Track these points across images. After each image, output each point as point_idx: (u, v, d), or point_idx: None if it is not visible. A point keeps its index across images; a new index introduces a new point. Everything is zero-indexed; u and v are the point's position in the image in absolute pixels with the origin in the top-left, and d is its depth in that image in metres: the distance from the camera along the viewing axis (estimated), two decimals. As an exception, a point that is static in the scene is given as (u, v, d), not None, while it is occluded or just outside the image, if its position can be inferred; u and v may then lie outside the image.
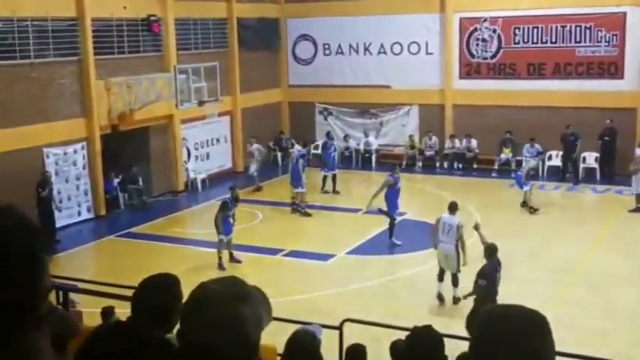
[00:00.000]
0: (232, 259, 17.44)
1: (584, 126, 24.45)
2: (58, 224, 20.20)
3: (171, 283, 3.58)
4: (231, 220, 17.42)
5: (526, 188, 21.01)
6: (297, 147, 23.32)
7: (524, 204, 21.33)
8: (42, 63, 20.30)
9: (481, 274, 12.02)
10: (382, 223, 18.53)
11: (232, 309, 2.04)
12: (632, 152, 24.07)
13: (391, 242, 18.27)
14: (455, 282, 14.34)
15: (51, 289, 1.84)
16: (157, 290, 3.52)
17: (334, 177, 24.14)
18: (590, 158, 25.34)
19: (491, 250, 12.31)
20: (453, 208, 14.83)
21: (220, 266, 16.91)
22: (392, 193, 18.37)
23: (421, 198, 23.03)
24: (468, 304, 12.54)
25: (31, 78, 19.99)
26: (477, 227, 13.48)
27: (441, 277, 14.55)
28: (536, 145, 26.03)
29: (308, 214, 21.54)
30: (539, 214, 20.82)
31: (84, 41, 21.13)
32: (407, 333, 5.44)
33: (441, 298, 14.45)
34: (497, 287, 12.17)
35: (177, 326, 2.19)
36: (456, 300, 14.11)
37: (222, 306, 2.04)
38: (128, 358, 3.20)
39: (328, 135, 25.81)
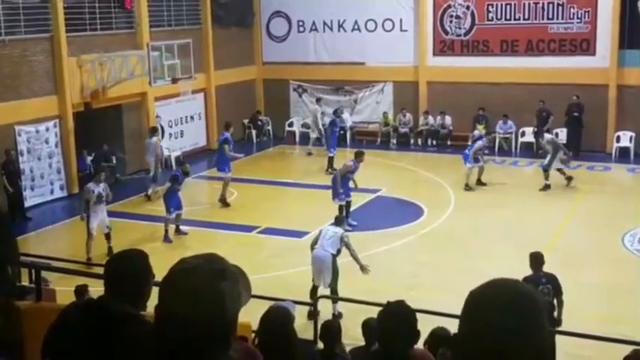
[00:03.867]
0: (178, 231, 17.72)
1: (557, 102, 24.62)
2: (31, 202, 20.12)
3: (139, 257, 3.58)
4: (180, 195, 17.59)
5: (469, 165, 21.00)
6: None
7: (479, 181, 21.31)
8: (13, 40, 20.02)
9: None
10: (357, 201, 18.54)
11: (212, 283, 2.06)
12: (599, 128, 24.51)
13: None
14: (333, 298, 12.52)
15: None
16: (125, 265, 3.53)
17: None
18: (562, 134, 25.52)
19: (533, 259, 10.81)
20: (338, 222, 13.69)
21: (166, 238, 17.23)
22: (345, 178, 17.95)
23: (395, 175, 23.11)
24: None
25: (2, 55, 19.73)
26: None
27: (313, 293, 12.71)
28: (509, 122, 26.24)
29: (227, 204, 20.08)
30: (509, 192, 20.99)
31: (55, 18, 20.86)
32: (380, 309, 5.49)
33: (315, 313, 10.91)
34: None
35: (156, 302, 2.20)
36: (334, 317, 11.27)
37: (202, 280, 2.06)
38: (99, 335, 3.21)
39: (336, 112, 25.06)
